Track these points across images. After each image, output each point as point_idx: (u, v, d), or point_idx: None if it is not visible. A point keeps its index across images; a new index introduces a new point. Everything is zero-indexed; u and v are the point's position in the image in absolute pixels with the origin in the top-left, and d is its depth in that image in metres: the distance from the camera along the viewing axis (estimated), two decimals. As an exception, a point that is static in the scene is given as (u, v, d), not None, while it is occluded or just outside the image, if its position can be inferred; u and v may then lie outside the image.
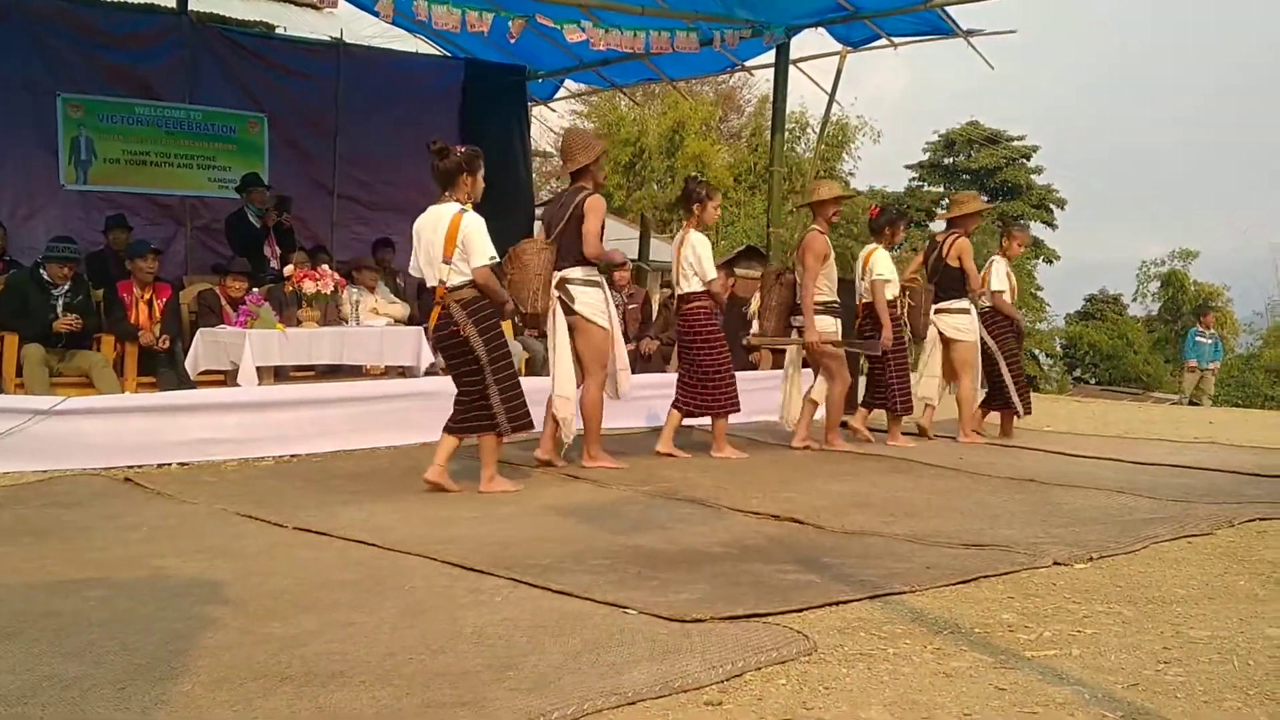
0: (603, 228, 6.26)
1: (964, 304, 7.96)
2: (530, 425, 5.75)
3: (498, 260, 5.59)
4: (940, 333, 7.95)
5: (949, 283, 7.96)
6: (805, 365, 7.69)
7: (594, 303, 6.25)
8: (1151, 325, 31.42)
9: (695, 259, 6.87)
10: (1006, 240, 8.54)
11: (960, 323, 7.92)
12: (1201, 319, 16.48)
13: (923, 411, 7.97)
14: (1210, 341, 16.06)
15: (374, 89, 11.53)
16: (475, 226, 5.51)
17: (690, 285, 6.91)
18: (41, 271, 7.49)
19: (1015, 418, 8.28)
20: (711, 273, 6.88)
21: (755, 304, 7.92)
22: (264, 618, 3.36)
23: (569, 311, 6.23)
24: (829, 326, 7.20)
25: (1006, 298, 8.20)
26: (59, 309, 7.44)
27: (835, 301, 7.27)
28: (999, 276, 8.22)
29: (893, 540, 4.57)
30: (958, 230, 8.12)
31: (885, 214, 7.74)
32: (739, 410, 7.07)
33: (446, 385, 7.55)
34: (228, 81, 10.97)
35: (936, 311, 7.91)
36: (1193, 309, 30.36)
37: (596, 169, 6.41)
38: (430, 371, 7.86)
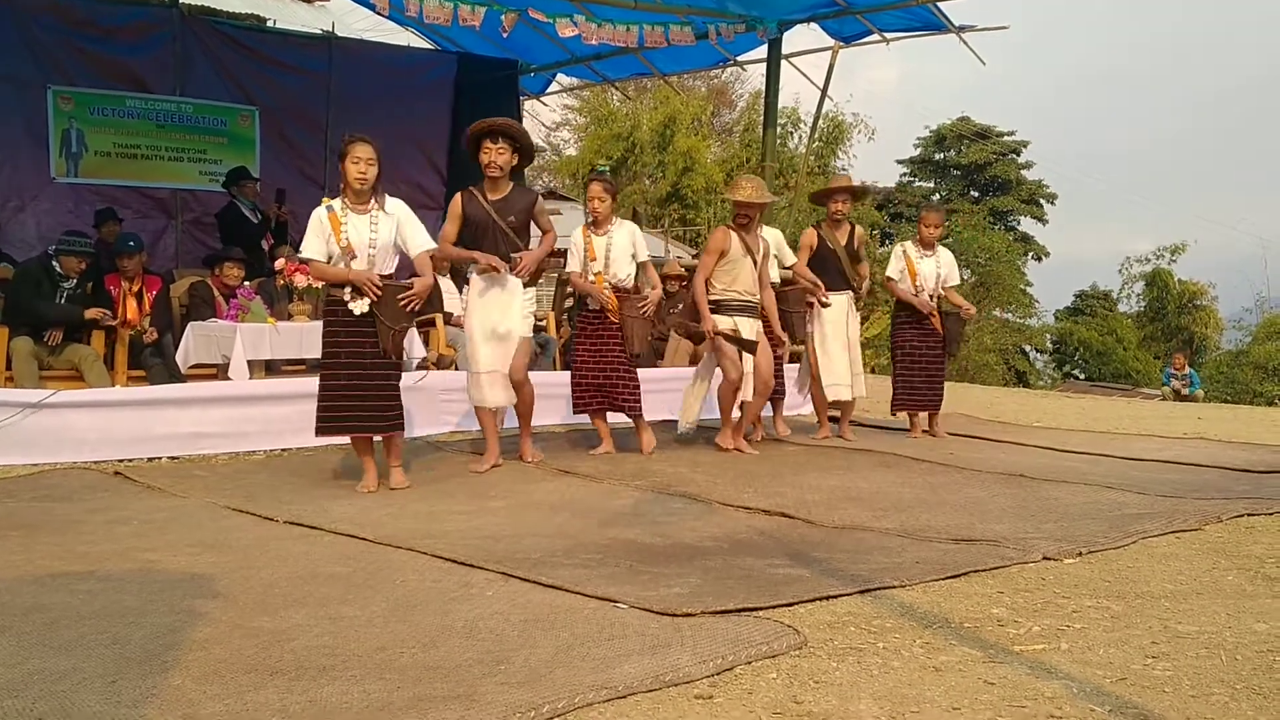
0: (463, 228, 6.07)
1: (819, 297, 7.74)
2: (332, 432, 5.54)
3: (315, 258, 5.44)
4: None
5: (818, 272, 7.69)
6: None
7: (453, 297, 6.24)
8: (1140, 321, 31.37)
9: None
10: (918, 224, 8.08)
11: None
12: (1173, 360, 16.82)
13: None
14: (1182, 383, 16.54)
15: (366, 83, 11.52)
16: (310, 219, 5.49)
17: None
18: (55, 263, 7.50)
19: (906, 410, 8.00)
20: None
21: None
22: (254, 611, 3.36)
23: None
24: (726, 323, 6.91)
25: (905, 285, 7.82)
26: (63, 301, 7.46)
27: (738, 300, 6.93)
28: (896, 258, 7.94)
29: (883, 535, 4.58)
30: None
31: None
32: (583, 411, 6.97)
33: (438, 380, 7.58)
34: (219, 75, 10.96)
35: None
36: (1174, 307, 30.44)
37: (485, 166, 6.03)
38: (421, 366, 7.85)
